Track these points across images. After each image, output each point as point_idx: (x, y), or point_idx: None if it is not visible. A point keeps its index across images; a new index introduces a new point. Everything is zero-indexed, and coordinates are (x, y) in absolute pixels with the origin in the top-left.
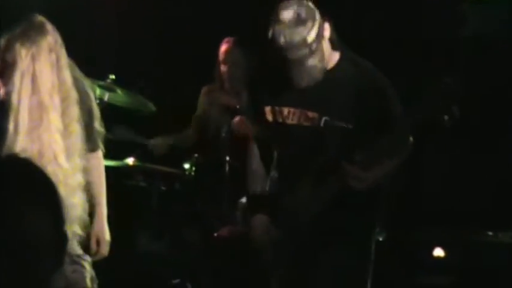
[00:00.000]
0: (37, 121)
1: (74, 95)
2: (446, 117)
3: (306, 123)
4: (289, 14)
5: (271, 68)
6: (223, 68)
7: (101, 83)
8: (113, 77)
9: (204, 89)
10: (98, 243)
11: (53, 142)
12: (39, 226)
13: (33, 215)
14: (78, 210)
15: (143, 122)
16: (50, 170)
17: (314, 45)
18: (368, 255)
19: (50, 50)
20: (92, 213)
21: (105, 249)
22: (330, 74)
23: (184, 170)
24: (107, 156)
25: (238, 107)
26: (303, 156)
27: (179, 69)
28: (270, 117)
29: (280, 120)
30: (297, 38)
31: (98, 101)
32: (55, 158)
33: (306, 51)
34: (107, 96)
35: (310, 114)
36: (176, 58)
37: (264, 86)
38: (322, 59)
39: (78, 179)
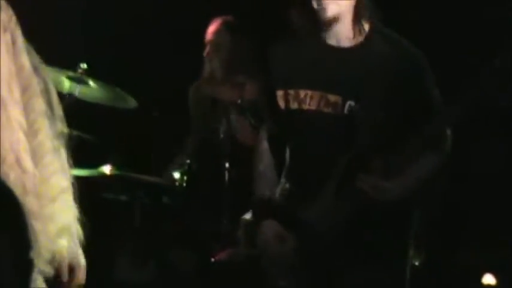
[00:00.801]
0: None
1: (35, 84)
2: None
3: (326, 110)
4: None
5: (282, 42)
6: (212, 54)
7: (70, 73)
8: (85, 66)
9: (192, 88)
10: (71, 270)
11: (15, 143)
12: None
13: None
14: (63, 219)
15: (121, 120)
16: (13, 177)
17: None
18: (401, 282)
19: (4, 30)
20: None
21: (81, 277)
22: (356, 50)
23: (173, 179)
24: (78, 163)
25: (239, 101)
26: (322, 154)
27: (163, 55)
28: (282, 104)
29: (295, 106)
30: None
31: (67, 96)
32: (18, 162)
33: None
34: (77, 90)
35: (332, 98)
36: (160, 42)
37: (274, 65)
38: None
39: (58, 182)
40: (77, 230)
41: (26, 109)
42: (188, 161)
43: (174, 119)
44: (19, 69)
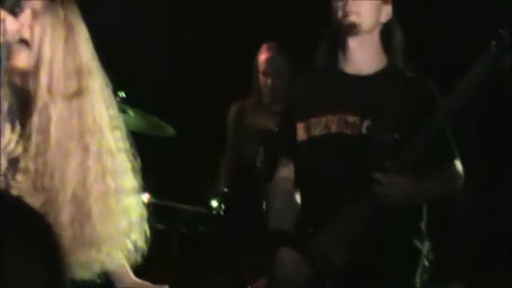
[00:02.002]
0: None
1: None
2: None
3: (346, 131)
4: None
5: (302, 75)
6: (264, 81)
7: None
8: (123, 94)
9: (233, 108)
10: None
11: (97, 115)
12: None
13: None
14: (133, 216)
15: (160, 148)
16: (94, 149)
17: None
18: None
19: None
20: None
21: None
22: (375, 77)
23: (211, 208)
24: None
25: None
26: (344, 175)
27: (201, 83)
28: (304, 135)
29: (317, 132)
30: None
31: None
32: (101, 134)
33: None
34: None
35: (351, 119)
36: (197, 69)
37: (295, 99)
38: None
39: (132, 180)
40: (145, 231)
41: (109, 110)
42: (226, 189)
43: (210, 146)
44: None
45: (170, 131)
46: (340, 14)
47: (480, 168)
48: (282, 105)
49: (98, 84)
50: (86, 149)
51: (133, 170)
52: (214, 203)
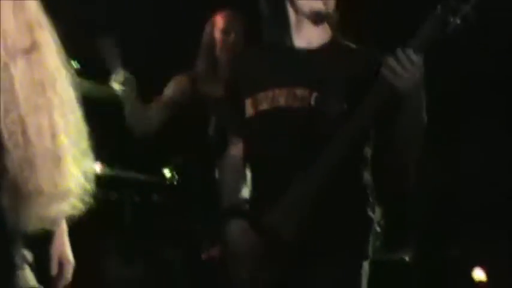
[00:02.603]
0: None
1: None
2: (457, 20)
3: (294, 104)
4: None
5: (249, 50)
6: (223, 40)
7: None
8: (76, 64)
9: (183, 76)
10: (60, 265)
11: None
12: None
13: None
14: (89, 164)
15: (114, 118)
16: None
17: None
18: (357, 277)
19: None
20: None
21: (68, 273)
22: (319, 51)
23: (163, 177)
24: None
25: None
26: (295, 148)
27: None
28: (251, 110)
29: (264, 106)
30: None
31: None
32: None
33: None
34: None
35: (299, 92)
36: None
37: (241, 74)
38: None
39: (85, 142)
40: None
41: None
42: (178, 158)
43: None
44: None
45: None
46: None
47: (432, 134)
48: (226, 81)
49: (49, 37)
50: (50, 102)
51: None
52: (166, 172)
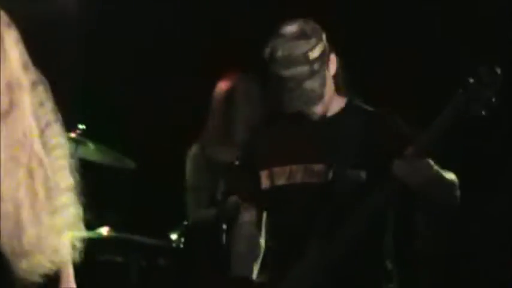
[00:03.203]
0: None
1: (38, 77)
2: (483, 112)
3: (312, 180)
4: (293, 28)
5: (265, 119)
6: (230, 110)
7: (70, 134)
8: (83, 127)
9: (194, 147)
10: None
11: (27, 128)
12: None
13: None
14: (67, 216)
15: (120, 181)
16: (25, 161)
17: (316, 66)
18: None
19: (9, 25)
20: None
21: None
22: (332, 122)
23: (170, 241)
24: None
25: (236, 161)
26: (308, 222)
27: (162, 116)
28: (267, 183)
29: (281, 182)
30: (296, 51)
31: None
32: (31, 148)
33: (305, 69)
34: (77, 151)
35: (316, 168)
36: (158, 101)
37: (258, 145)
38: (323, 85)
39: (66, 178)
40: (80, 229)
41: (35, 102)
42: (185, 222)
43: (173, 180)
44: (25, 62)
45: (130, 164)
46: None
47: None
48: (241, 150)
49: (27, 98)
50: (16, 163)
51: (72, 189)
52: (173, 236)
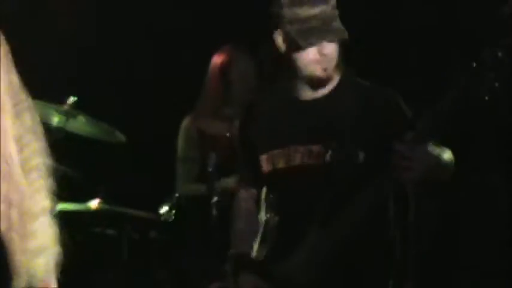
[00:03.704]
0: None
1: (25, 99)
2: (486, 97)
3: (310, 161)
4: None
5: (263, 103)
6: (223, 85)
7: (59, 107)
8: (74, 99)
9: (188, 120)
10: None
11: (8, 155)
12: None
13: None
14: (43, 237)
15: (110, 154)
16: (4, 189)
17: (336, 12)
18: None
19: None
20: None
21: None
22: (329, 99)
23: (160, 214)
24: (65, 197)
25: (228, 134)
26: (307, 204)
27: (153, 90)
28: (267, 167)
29: (281, 165)
30: None
31: (55, 130)
32: (11, 174)
33: (330, 9)
34: (66, 124)
35: (315, 148)
36: (151, 74)
37: (256, 128)
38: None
39: (42, 200)
40: (56, 252)
41: (16, 123)
42: (176, 195)
43: (166, 153)
44: (10, 82)
45: (121, 137)
46: (311, 66)
47: None
48: (239, 133)
49: (9, 122)
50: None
51: (48, 211)
52: (163, 209)
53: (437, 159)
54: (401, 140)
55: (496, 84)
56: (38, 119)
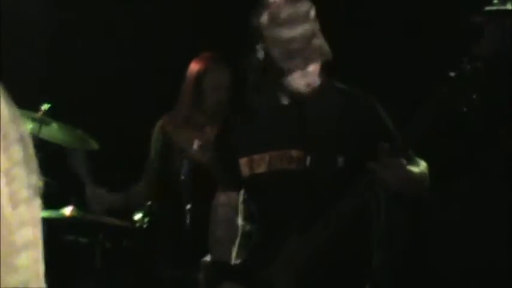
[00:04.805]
0: None
1: (14, 131)
2: (464, 108)
3: (290, 166)
4: None
5: (239, 110)
6: (199, 94)
7: (33, 114)
8: (47, 106)
9: (160, 123)
10: None
11: None
12: None
13: None
14: (22, 275)
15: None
16: None
17: (316, 26)
18: None
19: None
20: None
21: None
22: (309, 104)
23: (134, 221)
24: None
25: (195, 142)
26: (287, 208)
27: (126, 96)
28: (246, 171)
29: (261, 169)
30: (299, 10)
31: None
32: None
33: (309, 27)
34: (40, 131)
35: (294, 153)
36: (123, 81)
37: (235, 133)
38: (326, 45)
39: (25, 234)
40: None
41: (4, 156)
42: (149, 202)
43: (139, 159)
44: None
45: (94, 144)
46: (296, 84)
47: None
48: (218, 138)
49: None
50: None
51: (33, 245)
52: (137, 217)
53: (410, 174)
54: (378, 152)
55: (474, 96)
56: (31, 148)
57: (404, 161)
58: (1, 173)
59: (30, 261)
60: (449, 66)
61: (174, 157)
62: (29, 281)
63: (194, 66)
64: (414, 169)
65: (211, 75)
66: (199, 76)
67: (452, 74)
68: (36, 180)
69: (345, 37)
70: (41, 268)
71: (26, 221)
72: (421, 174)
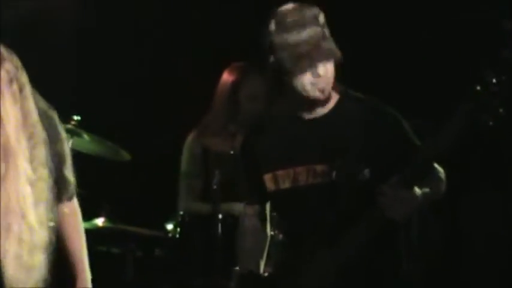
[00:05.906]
0: (1, 170)
1: (40, 131)
2: (490, 122)
3: (315, 181)
4: (291, 4)
5: (262, 126)
6: (232, 104)
7: (64, 125)
8: (78, 118)
9: (193, 135)
10: None
11: (21, 196)
12: None
13: None
14: (37, 274)
15: (115, 172)
16: (16, 229)
17: (326, 30)
18: None
19: (11, 81)
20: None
21: None
22: (330, 117)
23: (166, 231)
24: None
25: (232, 152)
26: (314, 222)
27: (158, 108)
28: (272, 186)
29: (286, 185)
30: (307, 14)
31: None
32: (23, 215)
33: (318, 30)
34: (71, 142)
35: (319, 168)
36: (154, 94)
37: (260, 149)
38: (336, 49)
39: (42, 236)
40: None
41: (30, 157)
42: (181, 213)
43: (169, 171)
44: (25, 116)
45: (126, 155)
46: (308, 88)
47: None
48: (243, 154)
49: (22, 161)
50: (8, 232)
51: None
52: (169, 226)
53: (420, 199)
54: (388, 182)
55: (501, 110)
56: (64, 144)
57: (414, 192)
58: (27, 181)
59: (43, 261)
60: (474, 78)
61: (212, 166)
62: (42, 280)
63: (228, 77)
64: (425, 190)
65: (247, 85)
66: (235, 86)
67: (478, 88)
68: (63, 177)
69: (367, 47)
70: (50, 268)
71: (44, 223)
72: (431, 191)
